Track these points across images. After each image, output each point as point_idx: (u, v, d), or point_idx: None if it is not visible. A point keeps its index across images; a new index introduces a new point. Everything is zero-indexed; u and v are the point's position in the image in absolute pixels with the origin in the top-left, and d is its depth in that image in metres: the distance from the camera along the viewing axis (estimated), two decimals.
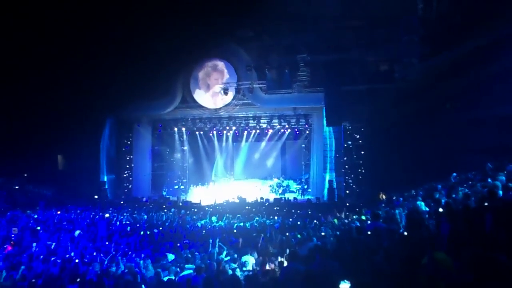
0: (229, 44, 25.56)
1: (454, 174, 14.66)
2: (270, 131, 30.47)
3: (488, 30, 14.62)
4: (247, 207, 22.33)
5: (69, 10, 20.21)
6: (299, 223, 15.91)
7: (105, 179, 27.34)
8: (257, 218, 18.18)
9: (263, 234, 13.38)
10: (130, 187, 29.05)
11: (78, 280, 9.10)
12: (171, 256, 11.50)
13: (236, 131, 30.86)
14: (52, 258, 11.32)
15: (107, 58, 23.16)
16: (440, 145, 18.35)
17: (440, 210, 8.69)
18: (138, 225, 17.30)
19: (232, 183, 31.80)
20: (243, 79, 25.35)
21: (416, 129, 19.90)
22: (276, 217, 18.35)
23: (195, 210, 22.09)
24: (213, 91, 26.17)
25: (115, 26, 21.92)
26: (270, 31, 22.76)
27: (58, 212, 20.01)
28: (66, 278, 9.29)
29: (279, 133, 30.74)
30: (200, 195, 28.77)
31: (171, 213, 20.64)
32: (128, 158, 29.31)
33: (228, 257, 10.49)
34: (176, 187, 32.00)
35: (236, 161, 33.82)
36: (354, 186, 24.86)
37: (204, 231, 15.35)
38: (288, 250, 9.26)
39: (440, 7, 18.61)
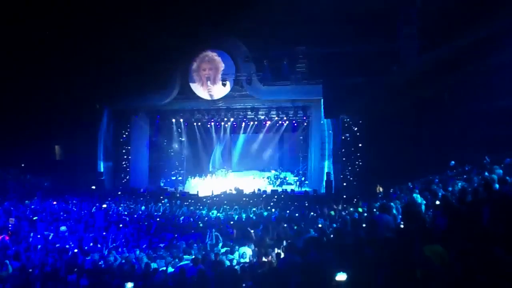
0: (227, 36, 25.45)
1: (452, 162, 14.70)
2: (268, 123, 30.44)
3: (487, 23, 14.59)
4: (244, 199, 22.38)
5: (66, 1, 20.16)
6: (296, 215, 15.96)
7: (103, 169, 27.30)
8: (254, 209, 18.23)
9: (260, 226, 13.43)
10: (127, 177, 29.00)
11: (75, 270, 9.11)
12: (168, 247, 11.53)
13: (234, 123, 30.84)
14: (50, 248, 11.35)
15: (105, 49, 23.12)
16: (438, 138, 18.38)
17: (437, 203, 8.72)
18: (135, 215, 17.34)
19: (230, 175, 31.81)
20: (241, 71, 25.25)
21: (413, 122, 19.92)
22: (273, 209, 18.41)
23: (193, 201, 22.12)
24: (211, 82, 26.06)
25: (113, 18, 21.86)
26: (268, 23, 22.63)
27: (55, 203, 20.00)
28: (63, 268, 9.31)
29: (277, 125, 30.73)
30: (198, 186, 28.81)
31: (168, 204, 20.67)
32: (125, 149, 29.21)
33: (225, 249, 10.53)
34: (174, 178, 32.01)
35: (233, 153, 33.84)
36: (351, 178, 24.86)
37: (201, 223, 15.38)
38: (285, 242, 9.29)
39: None
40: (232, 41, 25.40)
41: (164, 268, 9.12)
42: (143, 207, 19.85)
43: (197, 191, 26.17)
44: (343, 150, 24.75)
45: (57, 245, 11.88)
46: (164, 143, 31.91)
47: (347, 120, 24.76)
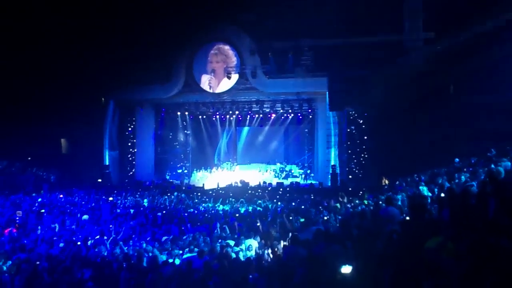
0: (232, 28, 25.41)
1: (457, 160, 14.66)
2: (273, 115, 30.45)
3: (493, 15, 14.49)
4: (249, 191, 22.42)
5: None
6: (302, 207, 15.97)
7: (108, 162, 27.41)
8: (259, 201, 18.26)
9: (265, 218, 13.45)
10: (133, 170, 29.13)
11: (82, 262, 9.18)
12: (174, 240, 11.58)
13: (239, 116, 30.87)
14: (56, 241, 11.43)
15: (110, 43, 23.13)
16: (444, 130, 18.31)
17: (442, 195, 8.70)
18: (141, 208, 17.40)
19: (235, 168, 31.86)
20: (246, 64, 25.21)
21: (419, 114, 19.84)
22: (279, 202, 18.44)
23: (198, 194, 22.18)
24: (215, 75, 26.04)
25: (119, 10, 21.85)
26: (273, 15, 22.56)
27: (61, 196, 20.11)
28: (70, 260, 9.38)
29: (282, 117, 30.74)
30: (203, 179, 28.89)
31: (174, 197, 20.73)
32: (131, 142, 29.33)
33: (231, 241, 10.56)
34: (179, 171, 32.12)
35: (239, 146, 33.88)
36: (357, 171, 24.88)
37: (207, 215, 15.43)
38: (291, 234, 9.31)
39: None
40: (237, 34, 25.36)
41: (171, 260, 9.16)
42: (146, 200, 19.90)
43: (203, 184, 26.25)
44: (349, 142, 24.76)
45: (62, 238, 11.95)
46: (169, 136, 31.99)
47: (353, 113, 24.74)
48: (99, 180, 26.39)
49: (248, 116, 30.84)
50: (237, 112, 30.07)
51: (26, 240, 11.48)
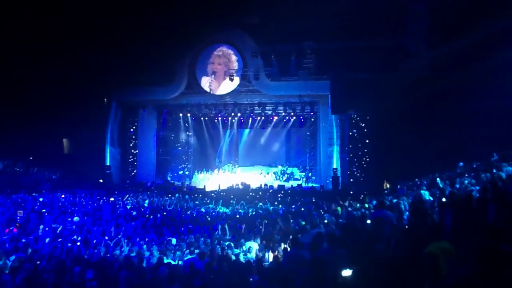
0: (235, 30, 25.47)
1: (461, 163, 14.65)
2: (275, 118, 30.43)
3: (496, 20, 14.49)
4: (251, 194, 22.42)
5: None
6: (302, 209, 15.96)
7: (110, 163, 27.44)
8: (260, 204, 18.25)
9: (266, 221, 13.44)
10: (135, 171, 29.16)
11: (82, 262, 9.17)
12: (174, 241, 11.58)
13: (241, 118, 30.84)
14: (57, 241, 11.43)
15: (113, 44, 23.19)
16: (446, 135, 18.29)
17: (444, 200, 8.70)
18: (142, 209, 17.40)
19: (237, 170, 31.86)
20: (249, 66, 25.25)
21: (421, 118, 19.82)
22: (280, 205, 18.42)
23: (200, 195, 22.18)
24: (218, 77, 26.08)
25: (122, 12, 21.90)
26: (276, 18, 22.59)
27: (63, 196, 20.12)
28: (71, 260, 9.37)
29: (284, 120, 30.69)
30: (205, 180, 28.88)
31: (175, 198, 20.73)
32: (133, 143, 29.37)
33: (232, 243, 10.55)
34: (181, 172, 32.12)
35: (240, 148, 33.87)
36: (358, 175, 24.85)
37: (208, 217, 15.42)
38: (291, 237, 9.30)
39: None
40: (239, 36, 25.40)
41: (171, 262, 9.16)
42: (147, 201, 19.90)
43: (204, 186, 26.26)
44: (350, 146, 24.73)
45: (63, 238, 11.96)
46: (171, 137, 32.03)
47: (355, 116, 24.71)
48: (101, 181, 26.41)
49: (250, 118, 30.82)
50: (239, 114, 30.05)
51: (26, 240, 11.48)
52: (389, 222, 8.00)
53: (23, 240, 11.30)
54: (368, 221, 9.04)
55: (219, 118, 31.58)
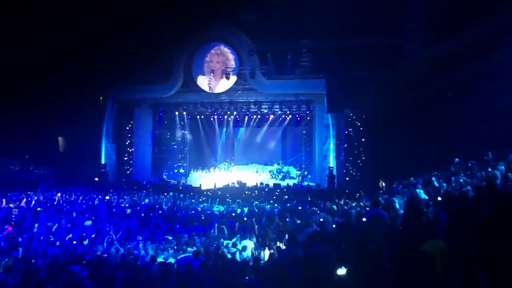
0: (231, 29, 25.43)
1: (457, 159, 14.69)
2: (271, 116, 30.43)
3: (492, 18, 14.51)
4: (246, 192, 22.44)
5: None
6: (299, 208, 15.98)
7: (106, 161, 27.38)
8: (256, 202, 18.26)
9: (262, 219, 13.45)
10: (130, 170, 29.11)
11: (77, 261, 9.16)
12: (170, 239, 11.57)
13: (237, 116, 30.84)
14: (52, 239, 11.41)
15: (109, 41, 23.14)
16: (442, 133, 18.31)
17: (439, 198, 8.71)
18: (138, 208, 17.38)
19: (232, 168, 31.85)
20: (245, 64, 25.24)
21: (417, 117, 19.85)
22: (275, 204, 18.43)
23: (195, 194, 22.16)
24: (215, 75, 26.06)
25: (118, 10, 21.86)
26: (272, 16, 22.58)
27: (58, 194, 20.08)
28: (66, 259, 9.36)
29: (280, 119, 30.73)
30: (200, 179, 28.88)
31: (171, 197, 20.72)
32: (129, 141, 29.32)
33: (227, 241, 10.55)
34: (176, 171, 32.11)
35: (236, 146, 33.87)
36: (354, 173, 24.87)
37: (203, 215, 15.42)
38: (287, 235, 9.31)
39: None
40: (236, 34, 25.37)
41: (167, 260, 9.15)
42: (146, 200, 19.90)
43: (200, 184, 26.26)
44: (346, 145, 24.75)
45: (58, 236, 11.94)
46: (167, 135, 32.02)
47: (351, 115, 24.72)
48: (96, 179, 26.36)
49: (246, 116, 30.82)
50: (235, 113, 30.05)
51: (21, 238, 11.45)
52: (383, 221, 8.02)
53: (18, 239, 11.28)
54: (364, 219, 9.05)
55: (215, 117, 31.58)
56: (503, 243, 4.22)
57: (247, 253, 9.80)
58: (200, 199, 20.44)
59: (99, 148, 27.18)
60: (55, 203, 17.95)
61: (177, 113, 31.06)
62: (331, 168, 24.43)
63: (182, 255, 9.56)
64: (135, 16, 22.50)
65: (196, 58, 26.42)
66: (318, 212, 14.13)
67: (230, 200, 19.29)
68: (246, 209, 16.57)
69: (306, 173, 29.65)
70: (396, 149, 20.31)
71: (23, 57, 22.03)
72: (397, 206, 9.84)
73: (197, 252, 8.89)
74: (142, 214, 15.67)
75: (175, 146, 32.84)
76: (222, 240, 10.87)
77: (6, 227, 12.90)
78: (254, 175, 29.56)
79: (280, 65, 24.66)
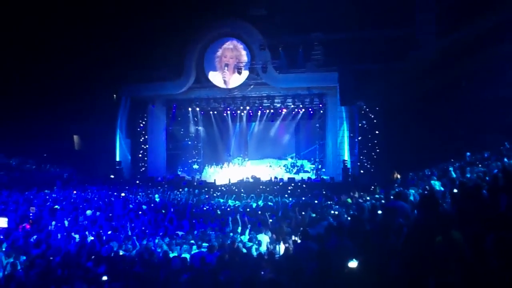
0: (241, 23, 25.38)
1: (468, 153, 14.56)
2: (284, 110, 30.35)
3: (505, 7, 14.32)
4: (261, 187, 22.43)
5: None
6: (316, 201, 15.95)
7: (121, 159, 27.57)
8: (271, 197, 18.26)
9: (277, 213, 13.46)
10: (145, 166, 29.29)
11: (94, 258, 9.26)
12: (185, 235, 11.63)
13: (250, 111, 30.81)
14: (70, 237, 11.54)
15: (122, 39, 23.25)
16: (456, 124, 18.18)
17: (455, 190, 8.64)
18: (153, 204, 17.49)
19: (246, 163, 31.89)
20: (256, 59, 25.20)
21: (431, 109, 19.70)
22: (290, 198, 18.42)
23: (210, 189, 22.23)
24: (227, 70, 26.06)
25: (129, 8, 21.96)
26: (283, 9, 22.51)
27: (75, 192, 20.29)
28: (83, 256, 9.46)
29: (293, 112, 30.63)
30: (215, 174, 28.94)
31: (185, 192, 20.81)
32: (143, 138, 29.50)
33: (242, 236, 10.59)
34: (191, 166, 32.22)
35: (250, 141, 33.87)
36: (368, 166, 24.74)
37: (218, 210, 15.47)
38: (301, 229, 9.31)
39: None
40: (247, 29, 25.32)
41: (182, 256, 9.20)
42: (156, 195, 19.99)
43: (214, 180, 26.31)
44: (360, 137, 24.62)
45: (75, 234, 12.08)
46: (180, 132, 32.14)
47: (364, 107, 24.58)
48: (112, 176, 26.57)
49: (259, 111, 30.78)
50: (248, 108, 30.01)
51: (39, 236, 11.59)
52: (403, 213, 7.93)
53: (36, 237, 11.42)
54: (379, 212, 9.01)
55: (228, 112, 31.59)
56: None
57: (263, 248, 9.83)
58: (215, 194, 20.50)
59: (113, 145, 27.39)
60: (72, 200, 18.13)
61: (190, 109, 31.11)
62: (345, 161, 24.32)
63: (196, 251, 9.61)
64: (148, 14, 22.58)
65: (208, 54, 26.44)
66: (333, 205, 14.11)
67: (245, 195, 19.30)
68: (261, 204, 16.59)
69: (320, 166, 29.56)
70: (410, 140, 20.18)
71: (38, 56, 22.24)
72: (412, 198, 9.78)
73: (212, 246, 8.94)
74: (158, 211, 15.76)
75: (189, 142, 32.97)
76: (237, 235, 10.91)
77: (24, 225, 13.07)
78: (268, 170, 29.56)
79: (292, 58, 24.58)
